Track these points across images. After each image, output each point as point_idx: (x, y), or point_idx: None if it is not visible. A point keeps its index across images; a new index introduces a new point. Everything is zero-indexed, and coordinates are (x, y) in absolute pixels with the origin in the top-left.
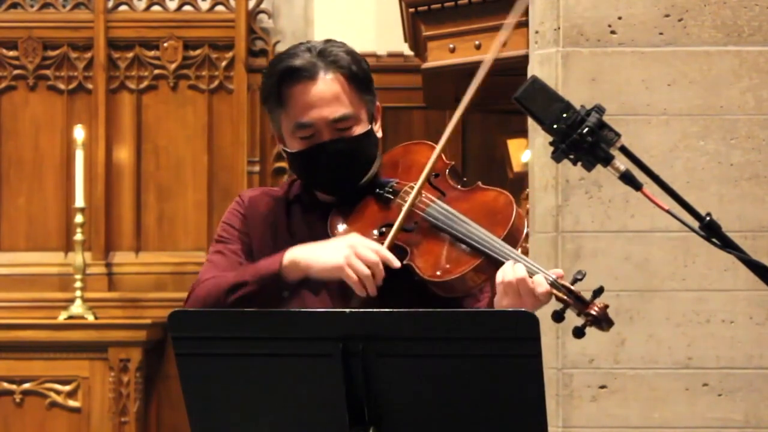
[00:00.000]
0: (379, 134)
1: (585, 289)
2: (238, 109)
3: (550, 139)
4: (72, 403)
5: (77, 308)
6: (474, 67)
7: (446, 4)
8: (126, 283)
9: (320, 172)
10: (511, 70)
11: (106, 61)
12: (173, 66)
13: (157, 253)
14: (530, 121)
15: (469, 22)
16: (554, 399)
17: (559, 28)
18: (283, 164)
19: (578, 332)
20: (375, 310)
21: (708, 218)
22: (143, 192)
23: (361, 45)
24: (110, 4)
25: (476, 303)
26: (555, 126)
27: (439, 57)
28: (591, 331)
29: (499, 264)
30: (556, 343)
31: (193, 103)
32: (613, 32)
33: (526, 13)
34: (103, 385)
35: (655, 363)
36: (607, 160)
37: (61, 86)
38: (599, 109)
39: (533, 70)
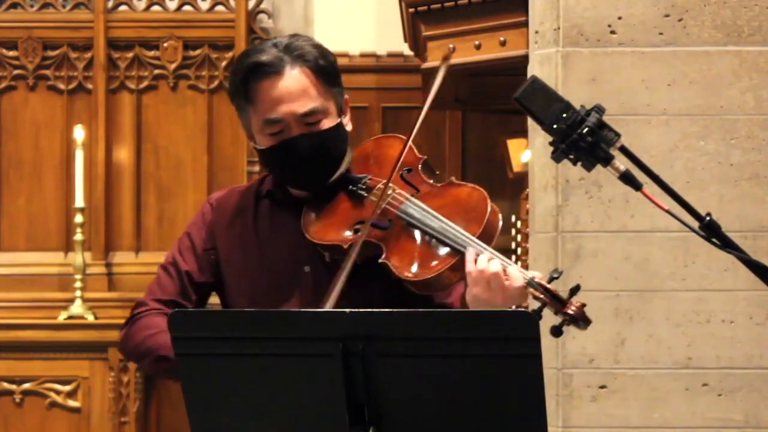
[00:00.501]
0: (349, 127)
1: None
2: None
3: (550, 139)
4: (72, 403)
5: (77, 308)
6: (474, 67)
7: (446, 4)
8: (126, 283)
9: (291, 168)
10: (511, 70)
11: (106, 61)
12: (173, 66)
13: (157, 253)
14: (530, 121)
15: (469, 22)
16: (554, 399)
17: (559, 28)
18: None
19: (556, 331)
20: (375, 310)
21: (708, 218)
22: (143, 192)
23: (361, 45)
24: (110, 4)
25: (447, 297)
26: (555, 126)
27: (439, 57)
28: (591, 331)
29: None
30: (556, 343)
31: (193, 103)
32: (613, 32)
33: (526, 13)
34: (103, 385)
35: (655, 363)
36: (607, 160)
37: (61, 86)
38: (599, 109)
39: (533, 70)
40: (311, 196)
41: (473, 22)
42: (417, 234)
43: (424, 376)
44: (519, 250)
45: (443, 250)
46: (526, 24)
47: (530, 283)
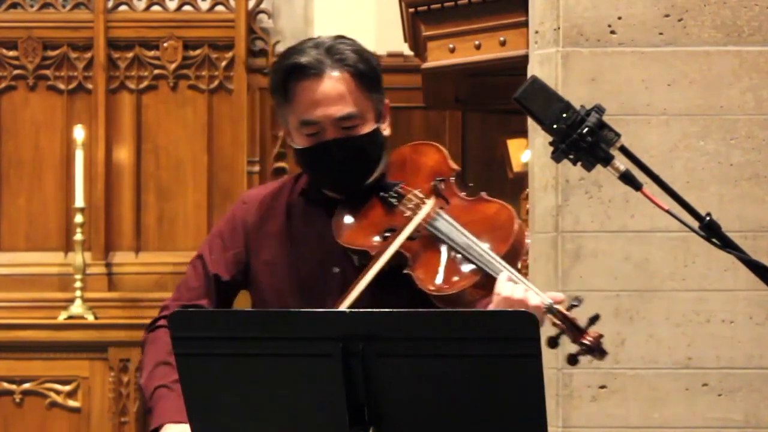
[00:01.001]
0: (387, 132)
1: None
2: (238, 109)
3: (550, 139)
4: (72, 403)
5: (77, 308)
6: (474, 67)
7: (446, 4)
8: (126, 283)
9: (325, 170)
10: (511, 70)
11: (106, 61)
12: (173, 66)
13: (157, 253)
14: (530, 121)
15: (469, 22)
16: (554, 399)
17: (559, 28)
18: (284, 164)
19: (572, 360)
20: (375, 310)
21: (708, 218)
22: (143, 192)
23: None
24: (110, 4)
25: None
26: (555, 126)
27: (439, 57)
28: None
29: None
30: None
31: (193, 103)
32: (613, 32)
33: (526, 13)
34: (103, 385)
35: (655, 363)
36: (607, 160)
37: (61, 86)
38: (599, 109)
39: (533, 70)
40: (344, 199)
41: (473, 22)
42: (443, 248)
43: (424, 376)
44: (520, 265)
45: (468, 267)
46: (526, 24)
47: (550, 309)
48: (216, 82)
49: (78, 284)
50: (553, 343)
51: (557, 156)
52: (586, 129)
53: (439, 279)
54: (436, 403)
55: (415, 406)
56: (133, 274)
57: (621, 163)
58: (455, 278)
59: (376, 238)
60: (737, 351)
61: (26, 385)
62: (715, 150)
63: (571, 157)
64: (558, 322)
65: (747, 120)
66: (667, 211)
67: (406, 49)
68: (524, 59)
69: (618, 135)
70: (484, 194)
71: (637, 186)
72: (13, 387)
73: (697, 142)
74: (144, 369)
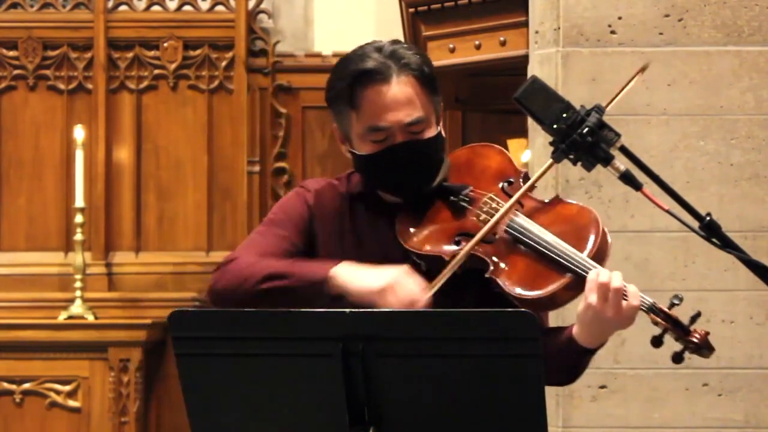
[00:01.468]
0: (443, 133)
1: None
2: (238, 109)
3: (550, 139)
4: (72, 403)
5: (77, 308)
6: (474, 67)
7: (446, 4)
8: (126, 283)
9: (392, 175)
10: (511, 70)
11: (106, 61)
12: (173, 66)
13: (157, 253)
14: (530, 121)
15: (469, 22)
16: (554, 399)
17: (559, 28)
18: (284, 164)
19: (677, 358)
20: (375, 310)
21: (708, 218)
22: (143, 192)
23: None
24: (110, 4)
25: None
26: (555, 126)
27: (439, 57)
28: None
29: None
30: None
31: (193, 103)
32: (613, 32)
33: (526, 13)
34: (103, 385)
35: (655, 363)
36: (607, 160)
37: (61, 86)
38: (599, 109)
39: (533, 70)
40: (405, 203)
41: (473, 22)
42: (527, 251)
43: (424, 376)
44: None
45: (556, 269)
46: (526, 24)
47: (651, 308)
48: (216, 82)
49: (78, 284)
50: (657, 342)
51: (557, 156)
52: (586, 129)
53: (527, 283)
54: (436, 403)
55: (415, 406)
56: (133, 274)
57: (621, 163)
58: (544, 281)
59: (449, 245)
60: (737, 351)
61: (26, 385)
62: (715, 150)
63: (571, 157)
64: (661, 321)
65: (747, 120)
66: (667, 211)
67: None
68: (524, 59)
69: (618, 135)
70: (559, 195)
71: (637, 186)
72: (13, 387)
73: (697, 142)
74: (240, 269)
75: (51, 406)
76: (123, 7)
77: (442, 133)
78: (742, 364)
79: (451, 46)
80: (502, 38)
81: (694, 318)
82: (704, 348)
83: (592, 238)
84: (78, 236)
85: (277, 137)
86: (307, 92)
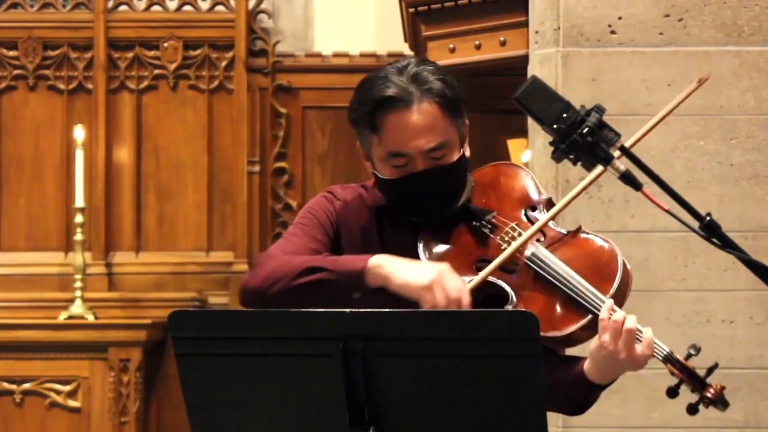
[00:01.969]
0: (467, 153)
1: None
2: (238, 109)
3: (550, 139)
4: (72, 403)
5: (77, 308)
6: (474, 67)
7: (446, 4)
8: (126, 283)
9: (412, 200)
10: (511, 70)
11: (106, 61)
12: (173, 66)
13: (157, 253)
14: (530, 121)
15: (469, 22)
16: None
17: (559, 28)
18: (284, 164)
19: (692, 409)
20: (375, 310)
21: (708, 218)
22: (143, 192)
23: (361, 45)
24: (110, 4)
25: (572, 369)
26: (555, 126)
27: (439, 57)
28: None
29: None
30: None
31: (193, 103)
32: (613, 32)
33: (526, 13)
34: (103, 385)
35: (655, 363)
36: (607, 160)
37: (61, 86)
38: (599, 109)
39: (533, 70)
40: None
41: (473, 22)
42: (546, 287)
43: (424, 376)
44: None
45: (575, 308)
46: (526, 24)
47: (668, 358)
48: (216, 82)
49: (78, 284)
50: (672, 393)
51: (557, 156)
52: (586, 129)
53: (546, 320)
54: (436, 403)
55: (415, 406)
56: (133, 274)
57: (621, 163)
58: (563, 320)
59: (469, 269)
60: (737, 351)
61: (26, 385)
62: (715, 150)
63: (571, 157)
64: (677, 371)
65: (747, 120)
66: (667, 211)
67: (406, 49)
68: (524, 59)
69: (618, 135)
70: (582, 227)
71: (637, 186)
72: (13, 387)
73: (697, 142)
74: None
75: (51, 406)
76: (123, 7)
77: (467, 153)
78: (742, 364)
79: (451, 46)
80: (502, 38)
81: (711, 370)
82: (719, 403)
83: (612, 277)
84: (78, 236)
85: (277, 137)
86: (307, 92)
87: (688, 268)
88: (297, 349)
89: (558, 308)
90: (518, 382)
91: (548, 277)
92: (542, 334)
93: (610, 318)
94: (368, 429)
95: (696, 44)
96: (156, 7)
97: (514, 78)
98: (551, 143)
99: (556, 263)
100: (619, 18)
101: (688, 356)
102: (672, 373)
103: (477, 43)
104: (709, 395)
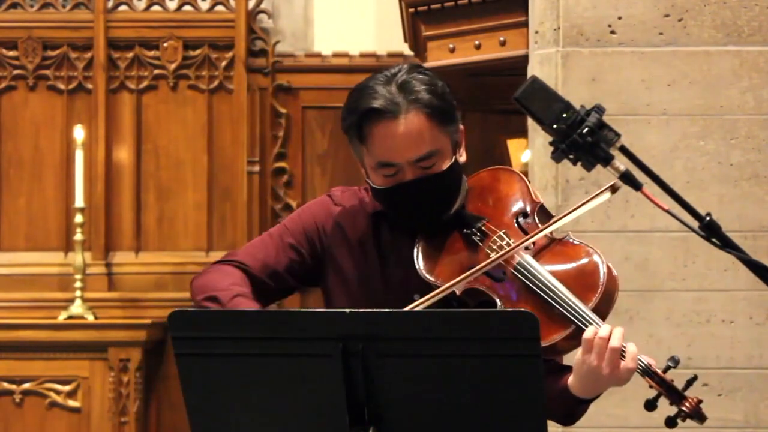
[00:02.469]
0: (463, 159)
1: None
2: (238, 109)
3: (550, 139)
4: (72, 403)
5: (77, 308)
6: (474, 67)
7: (446, 4)
8: (126, 283)
9: (404, 210)
10: (511, 70)
11: (106, 61)
12: (173, 66)
13: (157, 253)
14: (530, 121)
15: (469, 22)
16: None
17: (559, 28)
18: (284, 164)
19: (670, 422)
20: (375, 310)
21: (708, 218)
22: (143, 192)
23: (361, 45)
24: (110, 4)
25: (558, 381)
26: (555, 126)
27: (439, 57)
28: None
29: None
30: None
31: (193, 103)
32: (613, 32)
33: (526, 13)
34: (103, 385)
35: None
36: (607, 160)
37: (61, 86)
38: (599, 109)
39: (533, 70)
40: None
41: (473, 22)
42: (532, 296)
43: (424, 376)
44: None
45: (559, 319)
46: (526, 24)
47: (645, 371)
48: (216, 82)
49: (78, 284)
50: (650, 405)
51: (557, 156)
52: (586, 129)
53: None
54: (436, 403)
55: (415, 406)
56: (133, 274)
57: (621, 163)
58: (548, 330)
59: (458, 277)
60: (737, 351)
61: (26, 385)
62: (715, 150)
63: (571, 157)
64: (655, 384)
65: (747, 120)
66: (667, 211)
67: (406, 49)
68: (524, 59)
69: (618, 135)
70: (570, 234)
71: (637, 186)
72: (13, 387)
73: (697, 142)
74: (214, 284)
75: (51, 406)
76: (123, 7)
77: (460, 160)
78: (742, 364)
79: (451, 46)
80: (502, 38)
81: (690, 381)
82: (695, 416)
83: (596, 287)
84: (78, 236)
85: (277, 137)
86: (307, 92)
87: (688, 268)
88: (297, 349)
89: (542, 318)
90: (518, 382)
91: (532, 287)
92: None
93: (595, 335)
94: (368, 429)
95: (696, 44)
96: (156, 7)
97: (514, 78)
98: (551, 143)
99: (541, 273)
100: (619, 18)
101: (667, 369)
102: (650, 386)
103: (477, 43)
104: (685, 409)
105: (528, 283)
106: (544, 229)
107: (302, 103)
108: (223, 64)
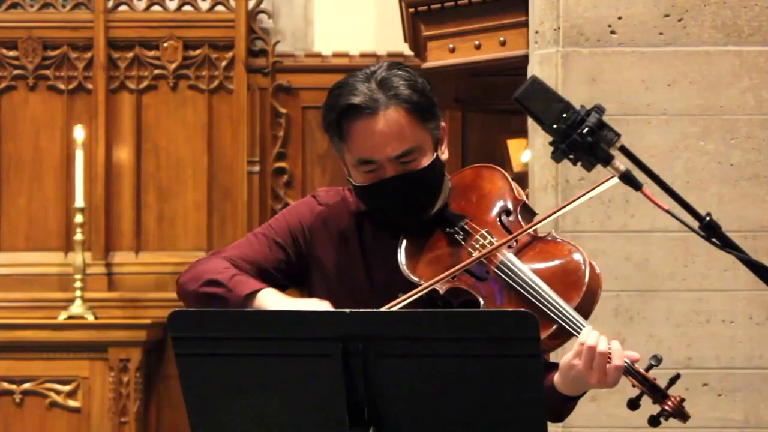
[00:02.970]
0: (445, 156)
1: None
2: (238, 109)
3: (550, 139)
4: (72, 403)
5: (77, 308)
6: (474, 67)
7: (446, 4)
8: (126, 283)
9: (385, 207)
10: (511, 70)
11: (106, 61)
12: (173, 66)
13: (157, 253)
14: (530, 121)
15: (469, 22)
16: None
17: (559, 28)
18: (284, 164)
19: (653, 421)
20: (375, 310)
21: (708, 218)
22: (143, 192)
23: (361, 45)
24: (110, 4)
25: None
26: (555, 126)
27: (439, 57)
28: None
29: (572, 332)
30: None
31: (193, 103)
32: (613, 32)
33: (526, 13)
34: (103, 385)
35: None
36: (607, 160)
37: (61, 86)
38: (599, 109)
39: (533, 70)
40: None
41: (473, 22)
42: (515, 295)
43: (424, 376)
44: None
45: (542, 318)
46: (526, 24)
47: (628, 370)
48: (216, 82)
49: (78, 284)
50: (633, 405)
51: (557, 156)
52: (586, 129)
53: None
54: (436, 403)
55: (415, 405)
56: (133, 274)
57: (621, 163)
58: None
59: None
60: (737, 351)
61: (26, 385)
62: (715, 150)
63: (571, 157)
64: (637, 383)
65: (747, 120)
66: (667, 211)
67: (406, 49)
68: (524, 59)
69: (618, 135)
70: (552, 232)
71: (637, 186)
72: (13, 387)
73: (697, 142)
74: (206, 271)
75: (51, 406)
76: (123, 7)
77: (441, 157)
78: (742, 364)
79: (451, 46)
80: (502, 38)
81: (673, 380)
82: (677, 415)
83: (579, 286)
84: (78, 236)
85: (277, 137)
86: (307, 92)
87: (688, 268)
88: (297, 349)
89: None
90: (518, 382)
91: (515, 286)
92: None
93: (584, 343)
94: (368, 429)
95: (696, 44)
96: (156, 7)
97: (514, 78)
98: (551, 143)
99: (523, 272)
100: (619, 18)
101: (649, 367)
102: (633, 385)
103: (477, 43)
104: (667, 408)
105: (510, 281)
106: (527, 228)
107: (302, 103)
108: (223, 64)
